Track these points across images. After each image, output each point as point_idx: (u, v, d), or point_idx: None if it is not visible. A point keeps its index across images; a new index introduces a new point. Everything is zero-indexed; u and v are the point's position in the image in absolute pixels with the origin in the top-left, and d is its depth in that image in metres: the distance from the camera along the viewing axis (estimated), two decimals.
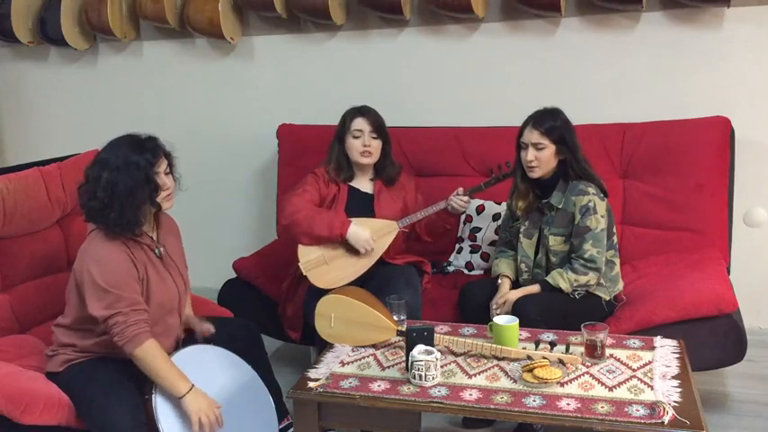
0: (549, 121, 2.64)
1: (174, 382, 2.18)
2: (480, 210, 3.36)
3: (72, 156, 2.96)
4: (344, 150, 3.01)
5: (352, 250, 2.87)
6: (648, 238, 3.17)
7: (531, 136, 2.64)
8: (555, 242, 2.69)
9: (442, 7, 3.51)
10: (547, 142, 2.63)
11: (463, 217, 3.38)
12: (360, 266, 2.88)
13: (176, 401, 2.20)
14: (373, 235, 2.86)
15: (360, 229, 2.85)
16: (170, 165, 2.31)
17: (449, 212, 2.92)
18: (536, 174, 2.67)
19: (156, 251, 2.34)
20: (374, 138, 2.97)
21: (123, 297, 2.16)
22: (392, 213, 2.98)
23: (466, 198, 2.88)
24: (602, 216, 2.63)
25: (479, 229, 3.33)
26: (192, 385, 2.19)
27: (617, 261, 2.75)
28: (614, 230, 2.75)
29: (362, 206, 2.98)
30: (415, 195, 3.12)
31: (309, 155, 3.49)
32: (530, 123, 2.67)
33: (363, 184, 3.06)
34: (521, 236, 2.79)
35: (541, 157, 2.64)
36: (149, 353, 2.16)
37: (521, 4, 3.44)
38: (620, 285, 2.77)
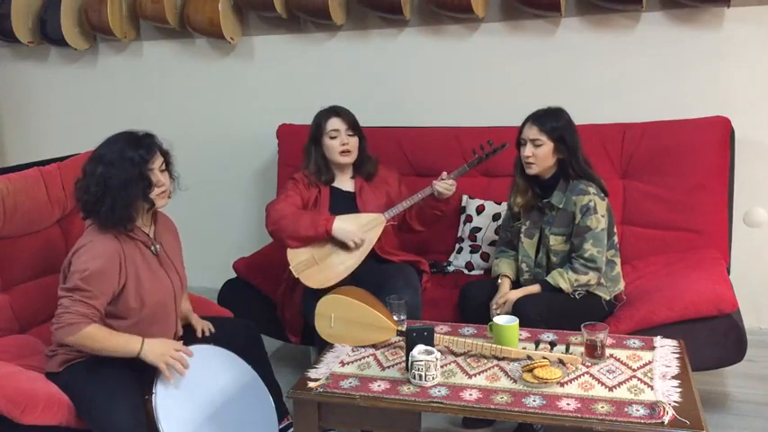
0: (549, 119, 2.66)
1: (125, 346, 2.19)
2: (480, 210, 3.35)
3: (72, 156, 2.96)
4: (322, 152, 3.01)
5: (342, 247, 2.87)
6: (648, 238, 3.17)
7: (530, 132, 2.66)
8: (555, 242, 2.69)
9: (442, 7, 3.51)
10: (545, 139, 2.64)
11: (463, 217, 3.38)
12: (351, 263, 2.87)
13: (176, 401, 2.20)
14: (360, 228, 2.86)
15: (345, 224, 2.85)
16: (167, 162, 2.31)
17: (436, 198, 2.92)
18: (533, 170, 2.68)
19: (153, 248, 2.34)
20: (351, 135, 2.98)
21: (82, 288, 2.15)
22: (376, 208, 2.98)
23: (451, 181, 2.88)
24: (602, 216, 2.63)
25: (479, 229, 3.33)
26: (142, 339, 2.20)
27: (618, 261, 2.75)
28: (615, 230, 2.75)
29: (345, 205, 2.99)
30: (399, 187, 3.11)
31: None
32: (530, 120, 2.69)
33: (344, 183, 3.06)
34: (522, 235, 2.79)
35: (538, 154, 2.65)
36: (86, 337, 2.14)
37: (521, 4, 3.44)
38: (622, 285, 2.77)
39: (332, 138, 2.97)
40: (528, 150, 2.66)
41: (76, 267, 2.17)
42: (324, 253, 2.89)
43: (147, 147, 2.23)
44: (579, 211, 2.63)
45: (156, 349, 2.20)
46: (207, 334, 2.53)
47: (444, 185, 2.87)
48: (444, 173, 2.90)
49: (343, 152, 2.97)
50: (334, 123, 2.97)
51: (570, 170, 2.68)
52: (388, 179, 3.11)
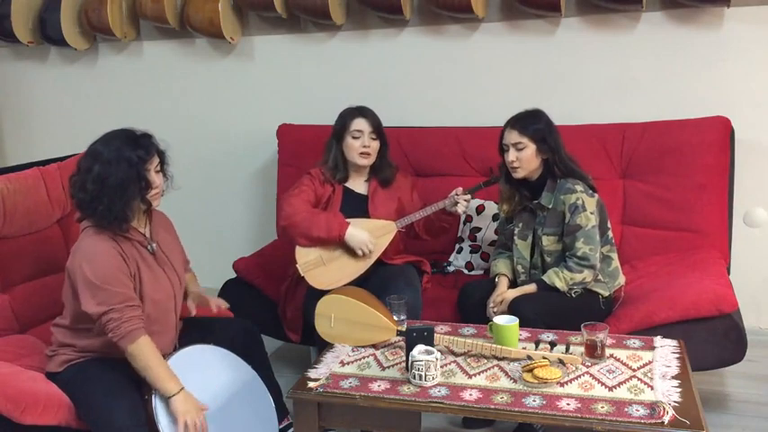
0: (529, 120, 2.67)
1: (166, 380, 2.17)
2: (480, 210, 3.36)
3: (72, 156, 2.96)
4: (342, 150, 3.00)
5: (351, 251, 2.87)
6: (648, 238, 3.17)
7: (511, 137, 2.66)
8: (548, 242, 2.69)
9: (442, 7, 3.51)
10: (526, 141, 2.64)
11: (463, 217, 3.38)
12: (358, 267, 2.87)
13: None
14: (371, 236, 2.86)
15: (358, 231, 2.84)
16: (162, 163, 2.31)
17: (447, 212, 2.92)
18: (519, 174, 2.68)
19: (149, 247, 2.34)
20: (373, 139, 2.97)
21: (116, 293, 2.15)
22: (387, 214, 2.98)
23: (467, 197, 2.88)
24: (591, 213, 2.63)
25: (479, 229, 3.33)
26: (182, 387, 2.18)
27: (614, 256, 2.75)
28: (609, 225, 2.75)
29: (357, 207, 2.98)
30: (411, 194, 3.11)
31: (309, 155, 3.48)
32: (509, 125, 2.69)
33: (358, 184, 3.05)
34: (515, 238, 2.79)
35: (522, 157, 2.65)
36: (143, 350, 2.16)
37: (521, 4, 3.44)
38: (621, 280, 2.77)
39: (354, 138, 2.95)
40: (512, 155, 2.66)
41: (96, 279, 2.14)
42: (332, 255, 2.88)
43: (146, 147, 2.22)
44: (568, 210, 2.63)
45: (186, 404, 2.16)
46: (224, 307, 2.55)
47: (463, 206, 2.85)
48: (459, 188, 2.89)
49: (362, 154, 2.96)
50: (359, 124, 2.95)
51: (556, 169, 2.68)
52: (402, 186, 3.10)
